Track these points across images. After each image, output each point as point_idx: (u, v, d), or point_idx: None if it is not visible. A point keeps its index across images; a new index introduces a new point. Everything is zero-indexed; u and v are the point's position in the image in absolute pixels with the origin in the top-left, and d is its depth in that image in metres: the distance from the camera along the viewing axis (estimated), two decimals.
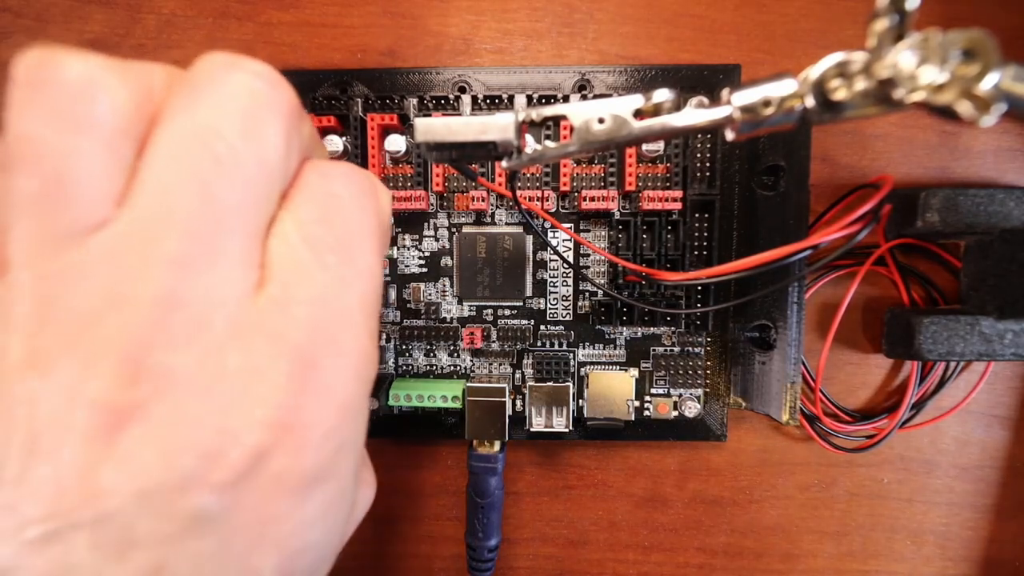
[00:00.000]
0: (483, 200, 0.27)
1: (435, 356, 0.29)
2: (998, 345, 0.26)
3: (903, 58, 0.15)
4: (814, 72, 0.16)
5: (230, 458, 0.11)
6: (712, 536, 0.32)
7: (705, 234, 0.28)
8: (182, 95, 0.12)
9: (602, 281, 0.29)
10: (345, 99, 0.27)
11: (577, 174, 0.27)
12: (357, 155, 0.27)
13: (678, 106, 0.18)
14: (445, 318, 0.29)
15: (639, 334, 0.29)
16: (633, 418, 0.29)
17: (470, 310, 0.29)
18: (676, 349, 0.29)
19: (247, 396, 0.12)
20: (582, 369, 0.29)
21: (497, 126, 0.18)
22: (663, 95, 0.18)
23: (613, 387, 0.29)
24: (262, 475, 0.12)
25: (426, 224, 0.29)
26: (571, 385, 0.28)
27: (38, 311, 0.11)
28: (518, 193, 0.27)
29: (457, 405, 0.27)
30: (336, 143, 0.27)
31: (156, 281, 0.11)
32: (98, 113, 0.11)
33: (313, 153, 0.16)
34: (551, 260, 0.29)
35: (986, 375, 0.30)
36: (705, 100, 0.25)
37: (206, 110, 0.12)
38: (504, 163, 0.19)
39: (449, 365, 0.29)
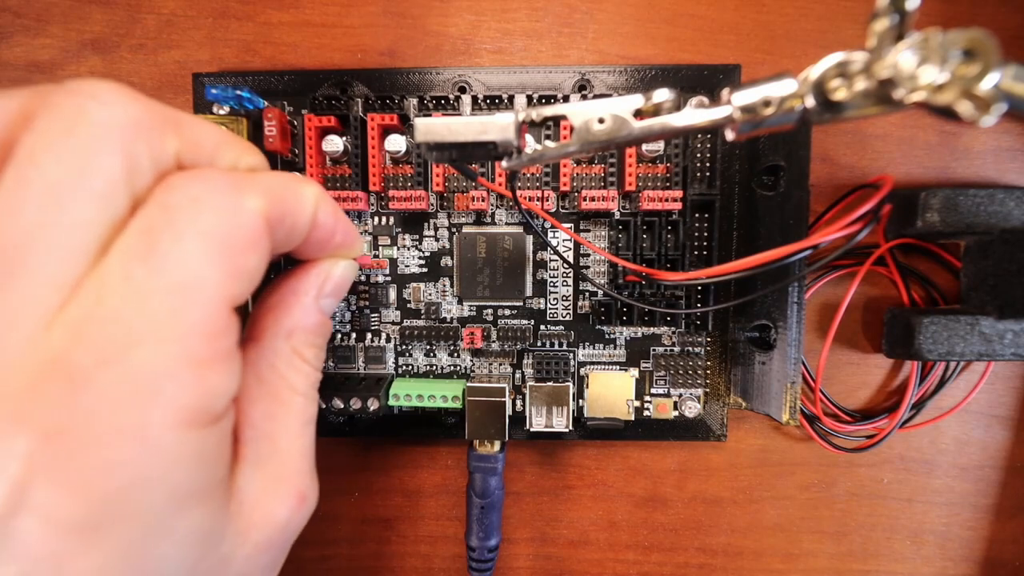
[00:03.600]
0: (483, 200, 0.27)
1: (435, 356, 0.29)
2: (998, 345, 0.26)
3: (903, 58, 0.15)
4: (814, 72, 0.16)
5: None
6: (712, 536, 0.32)
7: (705, 234, 0.28)
8: (27, 124, 0.13)
9: (602, 281, 0.29)
10: (345, 99, 0.27)
11: (577, 174, 0.27)
12: (357, 155, 0.27)
13: (678, 106, 0.18)
14: (445, 318, 0.29)
15: (639, 334, 0.29)
16: (633, 418, 0.29)
17: (470, 310, 0.29)
18: (676, 349, 0.29)
19: (13, 422, 0.11)
20: (582, 369, 0.29)
21: (497, 126, 0.18)
22: (663, 95, 0.18)
23: (613, 387, 0.29)
24: (31, 512, 0.11)
25: (426, 224, 0.29)
26: (571, 385, 0.28)
27: None
28: (518, 193, 0.27)
29: (457, 405, 0.27)
30: (336, 143, 0.27)
31: None
32: None
33: (211, 163, 0.15)
34: (551, 260, 0.29)
35: (986, 375, 0.30)
36: (705, 100, 0.25)
37: (31, 137, 0.12)
38: (504, 163, 0.19)
39: (449, 365, 0.29)
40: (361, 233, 0.29)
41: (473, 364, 0.29)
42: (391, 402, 0.28)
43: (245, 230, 0.14)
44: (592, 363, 0.29)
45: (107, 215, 0.13)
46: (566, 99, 0.27)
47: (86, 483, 0.12)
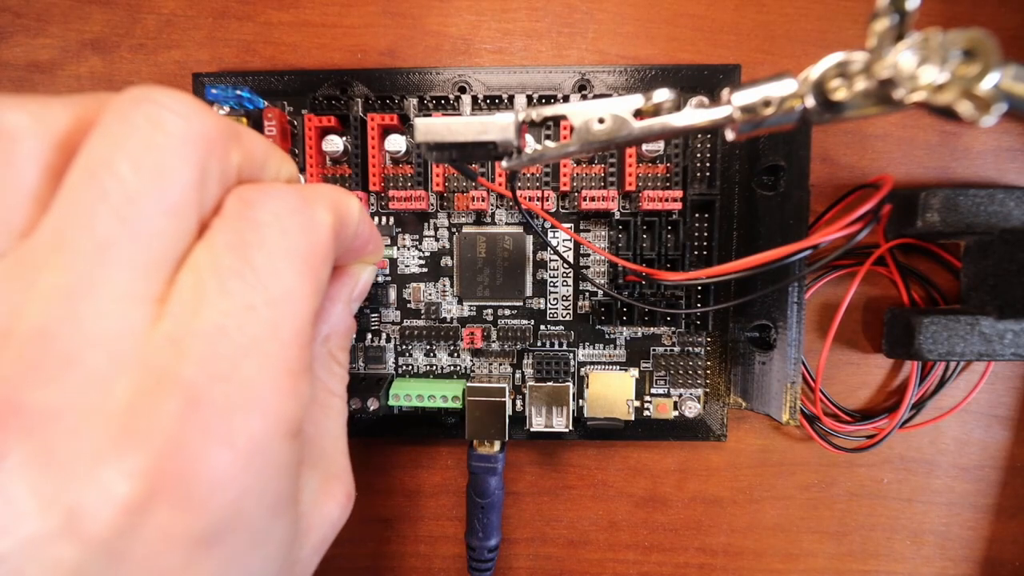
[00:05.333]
0: (483, 200, 0.27)
1: (435, 356, 0.29)
2: (998, 345, 0.26)
3: (903, 58, 0.15)
4: (814, 72, 0.16)
5: (100, 512, 0.10)
6: (712, 536, 0.32)
7: (705, 234, 0.28)
8: (92, 131, 0.12)
9: (602, 281, 0.29)
10: (345, 99, 0.27)
11: (577, 174, 0.27)
12: (357, 155, 0.27)
13: (678, 106, 0.18)
14: (445, 318, 0.29)
15: (639, 334, 0.29)
16: (633, 418, 0.29)
17: (470, 310, 0.29)
18: (676, 349, 0.29)
19: (124, 441, 0.11)
20: (582, 369, 0.29)
21: (497, 126, 0.18)
22: (663, 95, 0.18)
23: (613, 387, 0.29)
24: (145, 530, 0.11)
25: (426, 224, 0.29)
26: (571, 385, 0.28)
27: None
28: (518, 193, 0.27)
29: (457, 405, 0.27)
30: (336, 143, 0.27)
31: (31, 314, 0.11)
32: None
33: (260, 175, 0.16)
34: (551, 260, 0.29)
35: (986, 375, 0.30)
36: (705, 100, 0.25)
37: (103, 145, 0.12)
38: (504, 163, 0.19)
39: (449, 365, 0.29)
40: None
41: (473, 364, 0.29)
42: (391, 402, 0.28)
43: (322, 244, 0.15)
44: (592, 363, 0.29)
45: (181, 228, 0.13)
46: (566, 99, 0.27)
47: (204, 498, 0.12)
